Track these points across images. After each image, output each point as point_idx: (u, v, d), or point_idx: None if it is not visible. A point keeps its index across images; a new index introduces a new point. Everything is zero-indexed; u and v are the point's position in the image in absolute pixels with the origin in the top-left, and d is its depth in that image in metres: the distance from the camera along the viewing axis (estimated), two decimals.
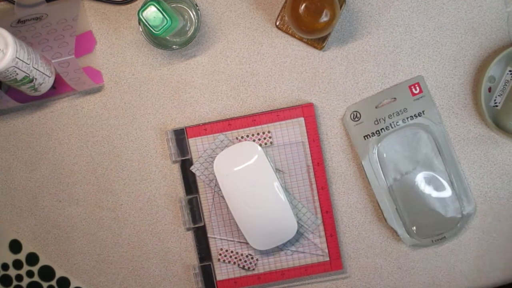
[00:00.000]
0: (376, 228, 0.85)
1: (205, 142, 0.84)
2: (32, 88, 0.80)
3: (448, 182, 0.83)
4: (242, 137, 0.84)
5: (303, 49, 0.84)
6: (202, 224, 0.85)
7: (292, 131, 0.84)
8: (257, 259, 0.85)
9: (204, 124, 0.84)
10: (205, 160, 0.84)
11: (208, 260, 0.86)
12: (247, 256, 0.85)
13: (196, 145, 0.84)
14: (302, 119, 0.83)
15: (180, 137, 0.84)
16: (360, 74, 0.84)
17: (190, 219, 0.85)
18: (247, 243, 0.85)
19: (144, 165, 0.86)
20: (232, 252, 0.85)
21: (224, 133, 0.84)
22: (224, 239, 0.85)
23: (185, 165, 0.85)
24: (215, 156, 0.84)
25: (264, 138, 0.84)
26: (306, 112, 0.83)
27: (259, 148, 0.82)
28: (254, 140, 0.84)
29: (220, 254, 0.85)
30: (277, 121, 0.84)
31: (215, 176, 0.84)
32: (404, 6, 0.83)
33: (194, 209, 0.85)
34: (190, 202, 0.85)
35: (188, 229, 0.86)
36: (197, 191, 0.85)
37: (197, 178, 0.85)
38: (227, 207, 0.85)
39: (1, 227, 0.88)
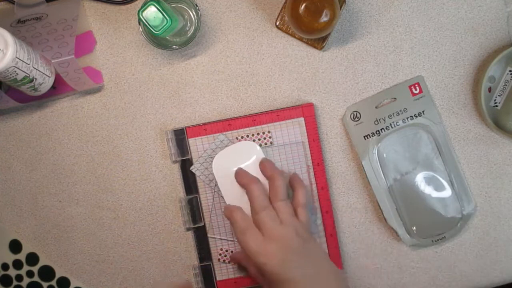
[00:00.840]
0: (376, 228, 0.85)
1: (205, 142, 0.84)
2: (32, 88, 0.80)
3: (448, 182, 0.83)
4: (242, 137, 0.84)
5: (303, 49, 0.84)
6: (202, 224, 0.85)
7: (292, 131, 0.84)
8: None
9: (204, 124, 0.84)
10: (205, 160, 0.84)
11: (208, 260, 0.86)
12: None
13: (196, 145, 0.84)
14: (302, 119, 0.83)
15: (180, 137, 0.84)
16: (360, 74, 0.84)
17: (190, 219, 0.85)
18: None
19: (144, 165, 0.86)
20: (232, 252, 0.85)
21: (224, 133, 0.84)
22: (224, 239, 0.85)
23: (185, 165, 0.85)
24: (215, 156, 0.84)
25: (264, 138, 0.84)
26: (306, 112, 0.83)
27: (258, 147, 0.82)
28: (254, 140, 0.84)
29: (220, 254, 0.85)
30: (277, 121, 0.84)
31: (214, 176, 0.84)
32: (404, 6, 0.83)
33: (194, 209, 0.85)
34: (190, 202, 0.85)
35: (188, 229, 0.86)
36: (197, 191, 0.85)
37: (197, 178, 0.85)
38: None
39: (1, 227, 0.88)
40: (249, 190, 0.77)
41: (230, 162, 0.82)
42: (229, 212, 0.78)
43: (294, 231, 0.75)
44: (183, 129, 0.84)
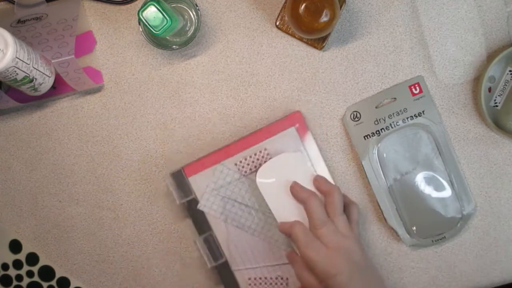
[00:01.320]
0: (376, 228, 0.85)
1: (206, 177, 0.83)
2: (32, 88, 0.80)
3: (448, 182, 0.83)
4: (240, 161, 0.83)
5: (303, 49, 0.84)
6: (224, 259, 0.83)
7: (287, 143, 0.82)
8: (287, 278, 0.84)
9: (200, 158, 0.83)
10: (210, 195, 0.83)
11: None
12: (276, 278, 0.84)
13: (197, 182, 0.83)
14: (293, 128, 0.83)
15: (180, 178, 0.83)
16: (360, 74, 0.84)
17: (210, 257, 0.83)
18: (273, 265, 0.83)
19: (144, 165, 0.86)
20: (261, 278, 0.84)
21: (222, 162, 0.83)
22: (249, 268, 0.83)
23: (191, 205, 0.84)
24: (218, 189, 0.83)
25: (262, 157, 0.83)
26: (296, 120, 0.83)
27: (300, 155, 0.81)
28: (253, 161, 0.83)
29: (249, 284, 0.83)
30: (270, 136, 0.83)
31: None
32: (404, 6, 0.83)
33: (212, 247, 0.83)
34: (206, 240, 0.83)
35: (211, 269, 0.84)
36: (209, 228, 0.83)
37: (206, 215, 0.83)
38: (245, 233, 0.83)
39: (1, 227, 0.88)
40: (308, 205, 0.78)
41: (275, 175, 0.81)
42: (289, 228, 0.78)
43: (357, 244, 0.77)
44: (180, 170, 0.83)
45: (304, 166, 0.81)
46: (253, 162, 0.83)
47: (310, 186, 0.80)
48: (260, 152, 0.82)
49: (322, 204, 0.78)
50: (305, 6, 0.76)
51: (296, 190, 0.79)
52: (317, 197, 0.78)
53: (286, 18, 0.82)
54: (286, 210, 0.80)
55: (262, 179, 0.81)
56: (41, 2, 0.85)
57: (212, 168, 0.83)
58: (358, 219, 0.82)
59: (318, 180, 0.80)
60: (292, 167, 0.81)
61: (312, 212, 0.77)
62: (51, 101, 0.86)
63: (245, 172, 0.83)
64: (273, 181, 0.81)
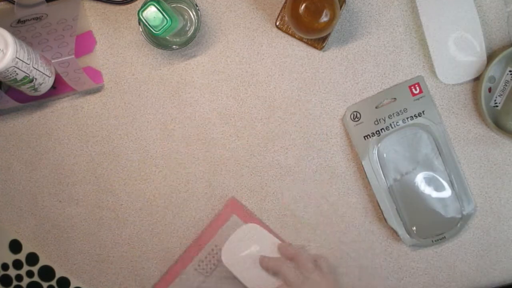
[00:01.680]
0: (376, 228, 0.85)
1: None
2: (32, 88, 0.80)
3: (448, 182, 0.83)
4: (199, 265, 0.84)
5: (303, 49, 0.84)
6: None
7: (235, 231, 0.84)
8: None
9: (164, 275, 0.85)
10: None
11: None
12: None
13: None
14: (234, 216, 0.84)
15: None
16: (360, 74, 0.84)
17: None
18: None
19: (144, 165, 0.86)
20: None
21: (183, 272, 0.84)
22: None
23: None
24: None
25: (216, 253, 0.84)
26: (233, 208, 0.84)
27: (256, 225, 0.82)
28: (210, 260, 0.84)
29: None
30: (215, 233, 0.84)
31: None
32: (404, 6, 0.83)
33: None
34: None
35: None
36: None
37: None
38: None
39: (1, 227, 0.88)
40: (281, 273, 0.80)
41: (239, 250, 0.82)
42: None
43: None
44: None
45: (263, 234, 0.83)
46: (210, 261, 0.84)
47: (276, 253, 0.82)
48: (213, 250, 0.84)
49: (293, 267, 0.80)
50: (305, 6, 0.76)
51: (265, 262, 0.81)
52: (287, 263, 0.80)
53: (286, 18, 0.82)
54: (260, 281, 0.81)
55: (228, 258, 0.82)
56: (41, 2, 0.85)
57: (177, 280, 0.84)
58: (331, 268, 0.83)
59: (282, 248, 0.82)
60: (253, 238, 0.82)
61: (288, 277, 0.79)
62: (51, 101, 0.86)
63: (207, 272, 0.84)
64: (240, 257, 0.82)
